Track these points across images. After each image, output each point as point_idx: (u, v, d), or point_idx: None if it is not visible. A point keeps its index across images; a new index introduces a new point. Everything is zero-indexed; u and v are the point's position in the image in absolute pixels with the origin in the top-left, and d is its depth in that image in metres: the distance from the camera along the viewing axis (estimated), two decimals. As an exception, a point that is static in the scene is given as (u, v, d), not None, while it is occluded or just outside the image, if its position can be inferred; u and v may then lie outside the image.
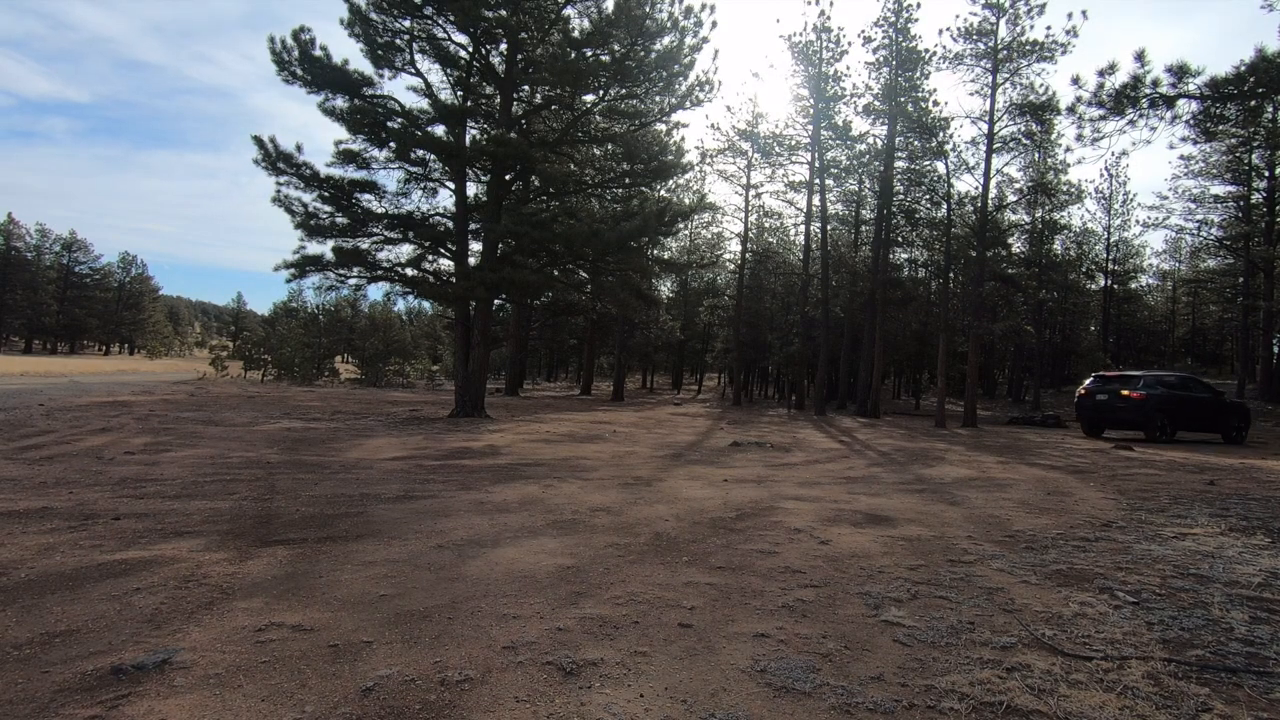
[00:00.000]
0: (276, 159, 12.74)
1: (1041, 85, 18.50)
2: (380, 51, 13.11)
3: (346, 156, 13.58)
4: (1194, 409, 14.51)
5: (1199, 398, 14.70)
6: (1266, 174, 28.38)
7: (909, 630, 2.79)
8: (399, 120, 13.02)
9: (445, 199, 18.39)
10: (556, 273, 16.77)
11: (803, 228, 25.57)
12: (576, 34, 12.81)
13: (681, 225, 20.45)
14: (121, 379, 24.35)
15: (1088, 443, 13.54)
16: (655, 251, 25.98)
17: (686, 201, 18.61)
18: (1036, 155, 27.47)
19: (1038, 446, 12.46)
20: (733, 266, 33.21)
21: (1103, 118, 8.49)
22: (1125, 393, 14.20)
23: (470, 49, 13.48)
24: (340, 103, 12.82)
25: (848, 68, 52.03)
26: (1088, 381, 15.60)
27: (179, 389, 19.06)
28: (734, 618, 2.88)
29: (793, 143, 24.10)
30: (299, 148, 12.83)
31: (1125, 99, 8.01)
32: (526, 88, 15.34)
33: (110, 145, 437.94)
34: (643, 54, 12.62)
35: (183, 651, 2.34)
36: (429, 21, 13.07)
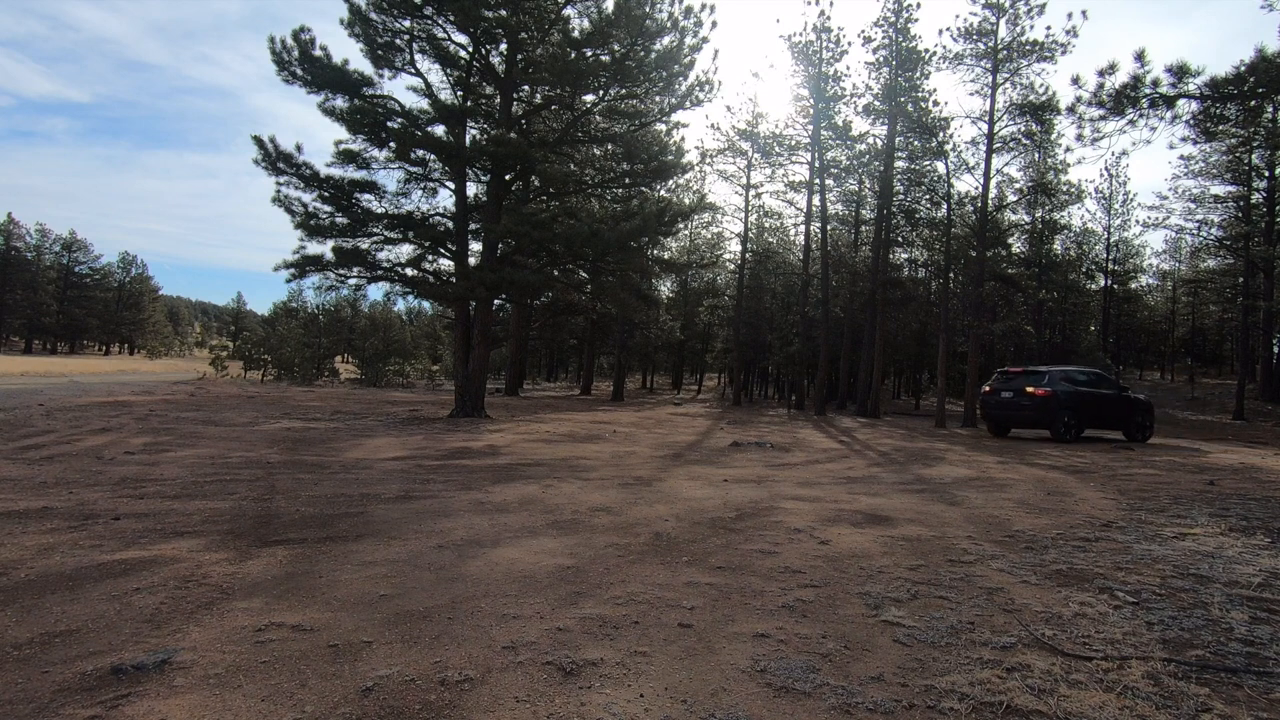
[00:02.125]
0: (276, 159, 12.73)
1: (1041, 85, 18.53)
2: (380, 51, 13.10)
3: (346, 156, 13.58)
4: (1100, 406, 13.94)
5: (1104, 394, 14.09)
6: (1266, 174, 28.38)
7: (909, 630, 2.79)
8: (399, 120, 13.02)
9: (445, 199, 18.45)
10: (556, 273, 16.78)
11: (803, 228, 25.59)
12: (576, 34, 12.80)
13: (681, 225, 20.43)
14: (121, 379, 24.35)
15: (1087, 443, 13.53)
16: (655, 251, 26.01)
17: (686, 201, 18.59)
18: (1036, 155, 27.50)
19: (1037, 446, 12.46)
20: (733, 266, 33.23)
21: (1103, 118, 8.50)
22: (1030, 390, 13.56)
23: (470, 49, 13.48)
24: (340, 103, 12.81)
25: (848, 68, 52.10)
26: (992, 379, 14.94)
27: (179, 389, 19.06)
28: (734, 618, 2.88)
29: (793, 143, 24.11)
30: (299, 148, 12.83)
31: (1125, 99, 8.02)
32: (526, 88, 15.34)
33: (111, 145, 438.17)
34: (643, 54, 12.62)
35: (183, 651, 2.34)
36: (429, 21, 13.07)
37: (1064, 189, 24.30)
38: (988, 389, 14.76)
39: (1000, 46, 18.43)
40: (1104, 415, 14.05)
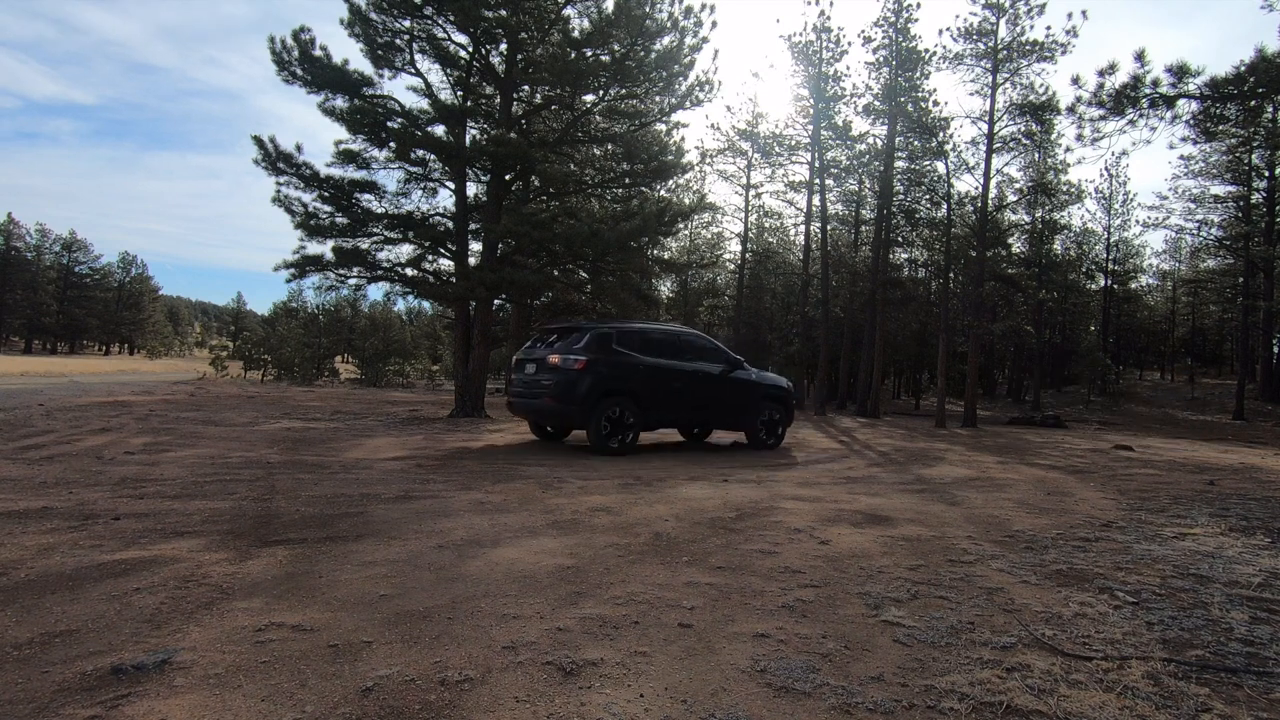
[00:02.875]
0: (276, 159, 12.73)
1: (1041, 85, 18.56)
2: (380, 51, 13.10)
3: (346, 156, 13.57)
4: (688, 391, 9.03)
5: (698, 372, 9.17)
6: (1266, 174, 28.41)
7: (909, 630, 2.79)
8: (399, 120, 13.01)
9: (445, 199, 18.40)
10: (556, 273, 16.75)
11: (803, 228, 25.60)
12: (576, 34, 12.80)
13: (681, 225, 20.42)
14: (121, 379, 24.34)
15: (1088, 443, 13.50)
16: (655, 251, 25.94)
17: (686, 201, 18.59)
18: (1036, 155, 27.53)
19: (1037, 446, 12.45)
20: (733, 266, 33.23)
21: (1103, 118, 8.52)
22: (554, 361, 8.46)
23: (470, 49, 13.47)
24: (340, 103, 12.80)
25: (848, 68, 51.97)
26: (528, 343, 9.88)
27: (179, 389, 19.05)
28: (734, 618, 2.88)
29: (793, 143, 24.11)
30: (299, 148, 12.82)
31: (1125, 99, 8.03)
32: (526, 88, 15.33)
33: (116, 147, 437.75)
34: (643, 54, 12.61)
35: (183, 651, 2.34)
36: (429, 21, 13.07)
37: (1064, 189, 24.34)
38: (516, 359, 9.56)
39: (1000, 46, 18.44)
40: (698, 405, 9.27)
